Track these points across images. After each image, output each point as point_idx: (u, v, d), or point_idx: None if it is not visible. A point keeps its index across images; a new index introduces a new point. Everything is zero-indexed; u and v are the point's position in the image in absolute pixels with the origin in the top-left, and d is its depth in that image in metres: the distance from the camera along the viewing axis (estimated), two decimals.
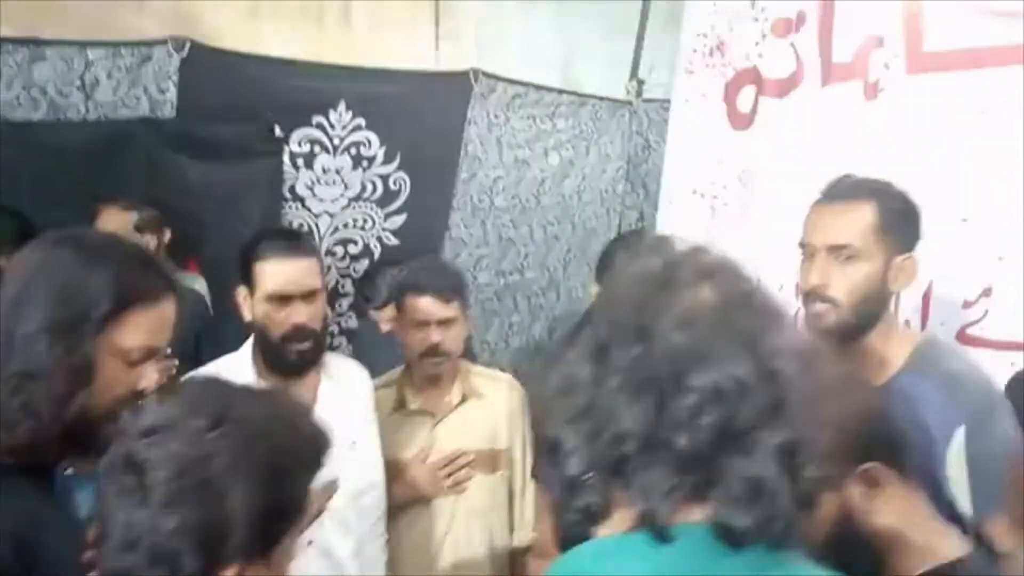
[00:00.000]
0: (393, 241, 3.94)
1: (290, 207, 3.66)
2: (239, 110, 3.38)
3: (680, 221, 2.84)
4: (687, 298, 0.83)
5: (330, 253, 3.74)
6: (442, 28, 4.20)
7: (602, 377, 0.83)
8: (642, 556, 0.82)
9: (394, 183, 3.89)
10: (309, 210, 3.71)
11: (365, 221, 3.85)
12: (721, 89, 2.77)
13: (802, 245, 1.67)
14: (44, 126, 3.10)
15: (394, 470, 2.19)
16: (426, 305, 2.13)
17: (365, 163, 3.78)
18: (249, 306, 1.92)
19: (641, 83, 4.81)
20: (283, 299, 1.86)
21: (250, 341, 1.98)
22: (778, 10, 2.55)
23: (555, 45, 4.49)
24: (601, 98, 4.76)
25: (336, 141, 3.68)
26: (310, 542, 1.81)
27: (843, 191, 1.65)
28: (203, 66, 3.28)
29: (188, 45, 3.23)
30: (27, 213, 2.83)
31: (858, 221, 1.59)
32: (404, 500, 2.22)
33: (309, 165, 3.65)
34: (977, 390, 1.53)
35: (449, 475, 2.22)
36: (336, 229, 3.80)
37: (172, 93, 3.25)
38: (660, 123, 4.20)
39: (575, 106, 4.68)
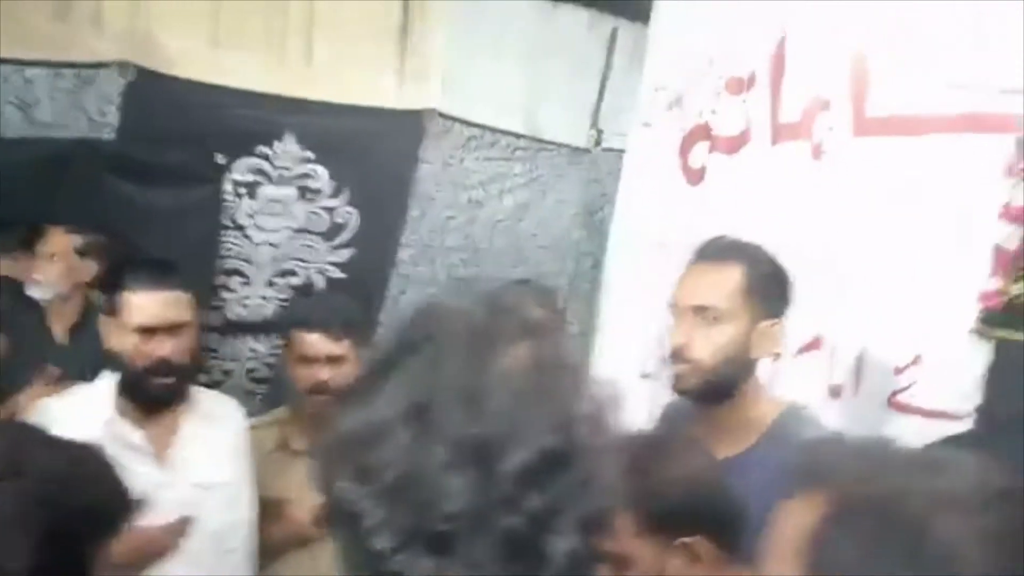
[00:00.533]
0: (338, 275, 3.88)
1: (230, 235, 3.59)
2: (183, 137, 3.36)
3: (630, 268, 2.88)
4: (508, 359, 0.79)
5: (270, 284, 3.66)
6: (407, 67, 4.21)
7: (424, 446, 0.76)
8: None
9: (341, 217, 3.83)
10: (250, 239, 3.63)
11: (308, 253, 3.77)
12: (676, 143, 2.81)
13: (671, 306, 1.65)
14: None
15: (275, 510, 2.15)
16: (313, 341, 2.09)
17: (311, 195, 3.71)
18: (112, 335, 1.85)
19: (600, 132, 4.83)
20: (148, 331, 1.82)
21: (109, 372, 1.94)
22: (732, 69, 2.59)
23: (520, 89, 4.52)
24: (560, 144, 4.77)
25: (282, 172, 3.63)
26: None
27: (713, 252, 1.65)
28: (148, 91, 3.26)
29: (134, 69, 3.22)
30: None
31: (724, 283, 1.57)
32: (285, 541, 2.17)
33: (252, 195, 3.59)
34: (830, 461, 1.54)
35: None
36: (276, 259, 3.72)
37: (114, 116, 3.22)
38: (617, 172, 4.21)
39: (533, 151, 4.71)
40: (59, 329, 2.86)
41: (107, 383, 1.91)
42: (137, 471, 1.76)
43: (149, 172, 3.30)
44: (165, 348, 1.82)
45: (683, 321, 1.59)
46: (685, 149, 2.76)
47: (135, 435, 1.84)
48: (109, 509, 0.92)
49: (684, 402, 1.69)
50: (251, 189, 3.61)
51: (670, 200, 2.78)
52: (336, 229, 3.87)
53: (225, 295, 3.65)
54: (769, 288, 1.59)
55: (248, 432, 2.11)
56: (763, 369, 1.69)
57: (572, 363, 0.84)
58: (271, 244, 3.72)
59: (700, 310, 1.57)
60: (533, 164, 4.74)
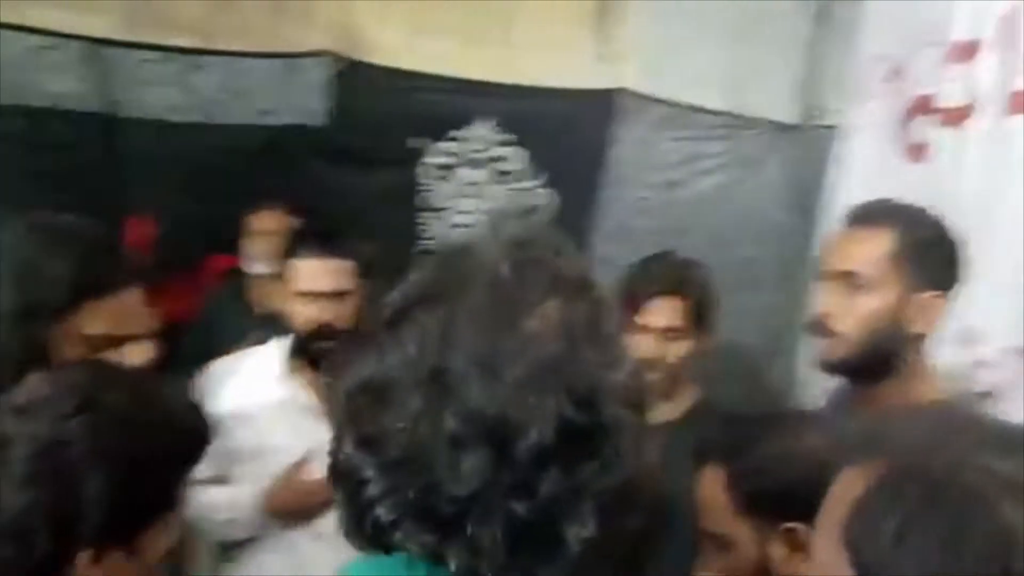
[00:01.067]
0: None
1: (427, 219, 3.71)
2: (384, 122, 3.51)
3: None
4: (534, 321, 0.71)
5: None
6: (604, 48, 4.18)
7: (434, 417, 0.69)
8: None
9: (537, 199, 3.86)
10: (446, 222, 3.70)
11: None
12: (896, 117, 2.61)
13: (817, 273, 1.54)
14: (199, 128, 3.27)
15: None
16: None
17: (506, 178, 3.74)
18: (282, 300, 1.96)
19: (810, 107, 4.53)
20: (312, 296, 1.89)
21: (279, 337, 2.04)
22: (956, 34, 2.34)
23: (722, 65, 4.34)
24: (765, 121, 4.52)
25: (477, 155, 3.68)
26: (319, 535, 1.84)
27: (864, 215, 1.50)
28: (354, 79, 3.44)
29: (343, 59, 3.41)
30: (177, 209, 3.01)
31: (872, 248, 1.42)
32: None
33: (447, 178, 3.67)
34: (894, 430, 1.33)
35: None
36: None
37: (321, 103, 3.41)
38: (828, 149, 3.97)
39: (735, 129, 4.48)
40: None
41: (279, 346, 2.01)
42: (305, 428, 1.84)
43: (353, 157, 3.50)
44: (328, 313, 1.88)
45: (827, 289, 1.45)
46: (905, 123, 2.60)
47: (303, 394, 1.92)
48: (184, 438, 0.96)
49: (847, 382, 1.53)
50: (446, 172, 3.69)
51: (889, 179, 2.60)
52: (532, 211, 3.87)
53: None
54: (927, 256, 1.41)
55: None
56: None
57: (605, 327, 0.75)
58: (467, 227, 3.78)
59: (844, 276, 1.42)
60: (734, 143, 4.54)
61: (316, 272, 1.88)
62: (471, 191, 3.76)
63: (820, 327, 1.44)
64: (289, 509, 1.84)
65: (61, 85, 3.10)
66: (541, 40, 3.89)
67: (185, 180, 3.20)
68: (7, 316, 1.11)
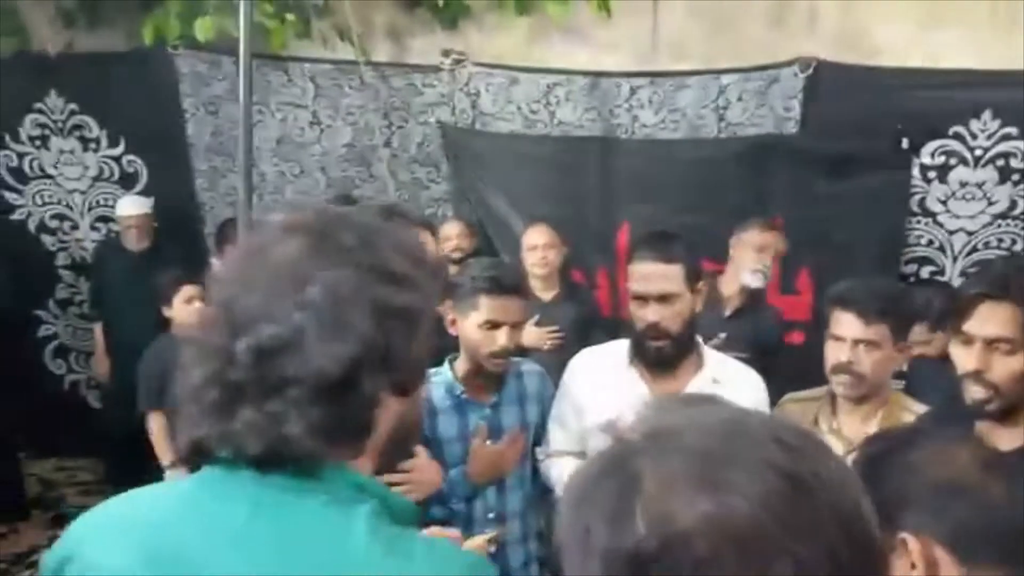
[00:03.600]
0: None
1: (918, 222, 3.52)
2: (864, 124, 3.44)
3: None
4: (268, 255, 0.86)
5: (964, 275, 3.41)
6: None
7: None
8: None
9: None
10: (941, 226, 3.48)
11: (1013, 242, 3.42)
12: None
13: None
14: (683, 144, 3.58)
15: None
16: (845, 321, 1.95)
17: (1016, 176, 3.37)
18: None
19: None
20: (643, 298, 1.98)
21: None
22: None
23: None
24: None
25: (978, 152, 3.38)
26: None
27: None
28: (827, 83, 3.45)
29: (814, 64, 3.44)
30: (658, 219, 3.31)
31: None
32: None
33: (943, 179, 3.44)
34: None
35: None
36: (975, 248, 3.48)
37: (797, 111, 3.49)
38: None
39: None
40: (729, 306, 3.20)
41: (624, 342, 2.14)
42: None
43: (833, 162, 3.46)
44: (655, 314, 1.97)
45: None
46: None
47: (640, 386, 2.05)
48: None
49: None
50: (942, 173, 3.47)
51: None
52: None
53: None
54: None
55: (766, 403, 2.07)
56: None
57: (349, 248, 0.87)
58: (965, 231, 3.48)
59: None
60: None
61: (646, 274, 1.99)
62: (971, 192, 3.44)
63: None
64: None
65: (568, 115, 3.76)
66: None
67: (669, 192, 3.55)
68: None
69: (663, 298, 1.99)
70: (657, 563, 0.57)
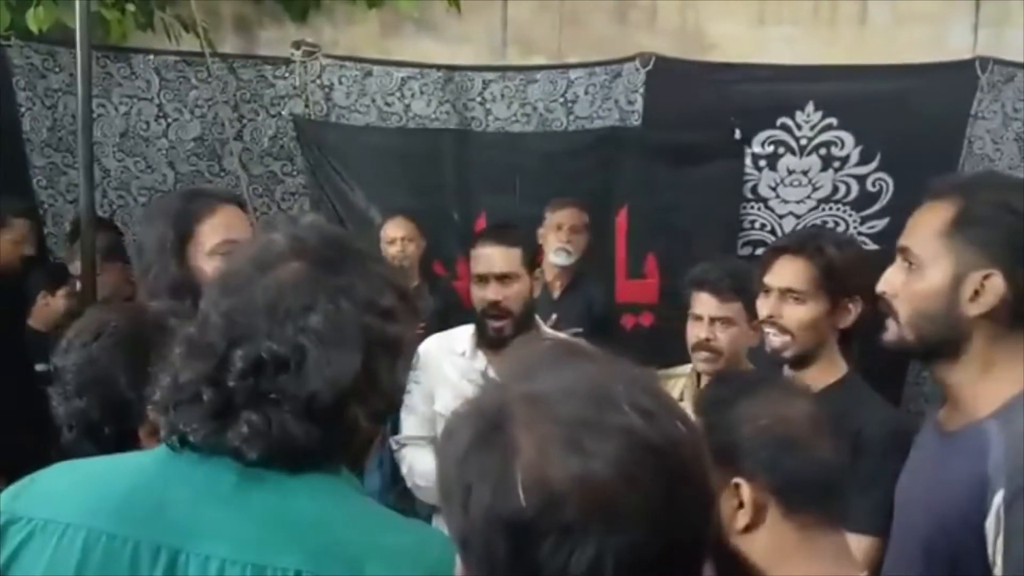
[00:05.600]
0: (872, 246, 3.72)
1: (752, 207, 3.77)
2: (701, 116, 3.65)
3: None
4: (273, 276, 0.91)
5: None
6: (983, 14, 3.84)
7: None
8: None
9: (873, 185, 3.71)
10: (772, 210, 3.75)
11: (836, 224, 3.71)
12: None
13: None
14: (534, 137, 3.70)
15: None
16: (703, 300, 2.11)
17: (837, 164, 3.65)
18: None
19: None
20: (484, 279, 2.13)
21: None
22: None
23: None
24: None
25: (803, 142, 3.66)
26: None
27: (931, 188, 1.35)
28: (666, 77, 3.63)
29: (653, 59, 3.62)
30: (513, 209, 3.42)
31: (926, 224, 1.28)
32: None
33: (773, 167, 3.71)
34: None
35: None
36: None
37: (639, 104, 3.67)
38: None
39: None
40: (556, 288, 3.36)
41: (470, 327, 2.26)
42: None
43: (673, 153, 3.66)
44: (496, 293, 2.10)
45: (891, 267, 1.34)
46: None
47: (485, 368, 2.17)
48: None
49: None
50: (772, 161, 3.72)
51: None
52: (867, 198, 3.73)
53: None
54: (979, 230, 1.22)
55: None
56: None
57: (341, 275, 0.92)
58: (794, 215, 3.75)
59: (902, 252, 1.30)
60: None
61: (487, 257, 2.13)
62: (798, 179, 3.72)
63: (883, 301, 1.34)
64: None
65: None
66: (903, 13, 3.75)
67: (524, 183, 3.67)
68: None
69: (503, 277, 2.10)
70: (534, 524, 0.64)
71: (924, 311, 1.23)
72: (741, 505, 1.07)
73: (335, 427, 0.89)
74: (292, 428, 0.86)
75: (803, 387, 1.25)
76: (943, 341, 1.23)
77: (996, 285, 1.17)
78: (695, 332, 2.13)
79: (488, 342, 2.17)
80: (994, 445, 1.14)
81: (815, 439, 1.11)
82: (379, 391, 0.92)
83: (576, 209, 3.35)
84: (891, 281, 1.29)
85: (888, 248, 1.41)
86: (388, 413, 0.99)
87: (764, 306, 1.77)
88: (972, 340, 1.21)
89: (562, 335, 2.28)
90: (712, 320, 2.10)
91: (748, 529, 1.06)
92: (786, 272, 1.75)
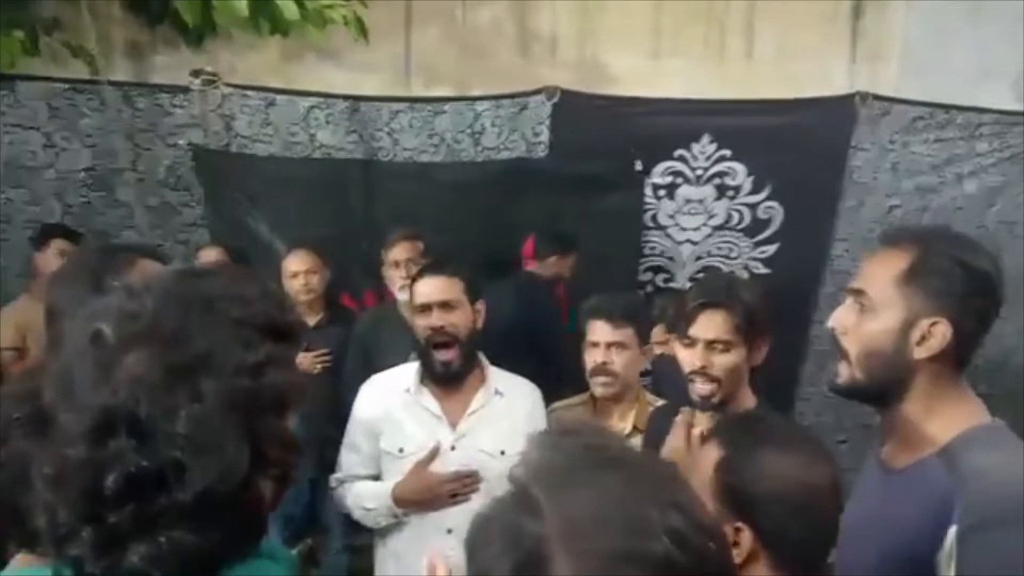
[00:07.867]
0: (763, 270, 3.93)
1: (652, 235, 3.91)
2: (603, 148, 3.78)
3: None
4: (116, 378, 0.78)
5: (693, 280, 3.87)
6: (860, 51, 4.12)
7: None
8: None
9: (763, 212, 3.92)
10: (671, 238, 3.90)
11: (730, 250, 3.91)
12: None
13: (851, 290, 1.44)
14: (442, 167, 3.74)
15: None
16: (598, 328, 2.25)
17: (731, 193, 3.84)
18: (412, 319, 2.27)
19: None
20: (427, 308, 2.17)
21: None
22: None
23: (1008, 60, 4.05)
24: None
25: (699, 172, 3.83)
26: (449, 530, 2.07)
27: (885, 236, 1.44)
28: (571, 110, 3.75)
29: (558, 93, 3.72)
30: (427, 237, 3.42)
31: (882, 270, 1.35)
32: None
33: (671, 196, 3.86)
34: (1002, 495, 1.20)
35: None
36: (699, 257, 3.94)
37: (545, 136, 3.78)
38: None
39: (1004, 126, 4.14)
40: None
41: (415, 363, 2.28)
42: (433, 432, 2.13)
43: (577, 183, 3.75)
44: (440, 320, 2.14)
45: (841, 307, 1.42)
46: None
47: (431, 403, 2.19)
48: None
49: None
50: (670, 191, 3.88)
51: None
52: (759, 225, 3.94)
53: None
54: (931, 277, 1.32)
55: (542, 410, 2.28)
56: None
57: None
58: (691, 242, 3.92)
59: (852, 292, 1.38)
60: (1003, 141, 4.20)
61: (427, 287, 2.17)
62: (695, 208, 3.91)
63: (837, 343, 1.41)
64: (418, 497, 2.10)
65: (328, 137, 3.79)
66: (787, 48, 3.99)
67: (432, 214, 3.68)
68: None
69: (445, 304, 2.13)
70: None
71: (874, 350, 1.33)
72: (736, 545, 1.13)
73: (237, 514, 0.81)
74: (189, 542, 0.77)
75: (827, 452, 1.27)
76: (891, 380, 1.32)
77: (943, 332, 1.28)
78: (592, 358, 2.29)
79: (434, 378, 2.18)
80: (943, 482, 1.22)
81: (828, 507, 1.18)
82: (277, 454, 0.83)
83: (404, 242, 3.25)
84: (842, 320, 1.38)
85: (780, 272, 1.51)
86: (291, 469, 0.87)
87: (693, 357, 1.86)
88: (917, 381, 1.31)
89: (502, 370, 2.31)
90: (608, 345, 2.25)
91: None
92: (710, 325, 1.85)
